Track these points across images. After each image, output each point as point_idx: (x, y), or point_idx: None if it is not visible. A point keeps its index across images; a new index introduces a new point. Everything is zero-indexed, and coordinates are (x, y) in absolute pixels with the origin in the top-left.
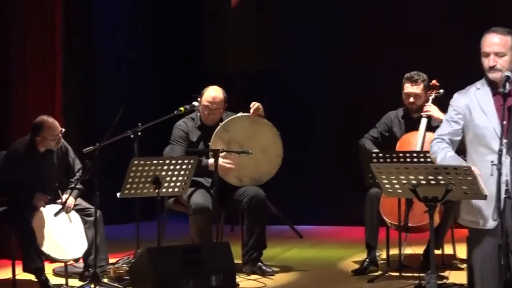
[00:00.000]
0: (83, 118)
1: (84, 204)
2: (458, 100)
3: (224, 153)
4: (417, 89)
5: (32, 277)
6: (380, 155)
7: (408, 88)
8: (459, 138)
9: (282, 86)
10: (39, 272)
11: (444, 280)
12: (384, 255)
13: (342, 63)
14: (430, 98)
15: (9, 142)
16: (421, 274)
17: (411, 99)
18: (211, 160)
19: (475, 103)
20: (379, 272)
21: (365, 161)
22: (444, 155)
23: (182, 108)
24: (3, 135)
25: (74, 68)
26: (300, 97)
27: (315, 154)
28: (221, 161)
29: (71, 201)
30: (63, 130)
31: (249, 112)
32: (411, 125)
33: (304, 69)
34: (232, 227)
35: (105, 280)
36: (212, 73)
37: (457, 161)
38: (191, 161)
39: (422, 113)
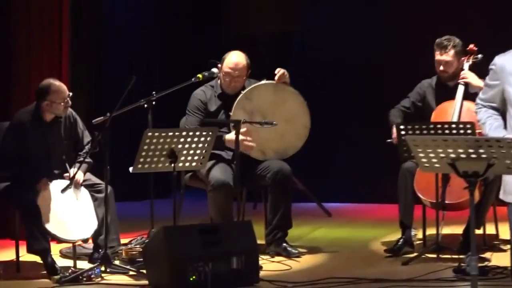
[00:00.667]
0: (92, 86)
1: (93, 179)
2: (497, 62)
3: (246, 124)
4: (446, 56)
5: (37, 258)
6: (416, 126)
7: (437, 55)
8: (500, 101)
9: (310, 50)
10: (45, 253)
11: (486, 263)
12: (419, 235)
13: (378, 24)
14: (467, 64)
15: (13, 112)
16: (461, 256)
17: (442, 67)
18: (230, 135)
19: None
20: (415, 254)
21: (399, 134)
22: (490, 125)
23: (200, 75)
24: (6, 105)
25: (82, 31)
26: (329, 62)
27: (344, 125)
28: (241, 138)
29: (79, 176)
30: (71, 94)
31: (273, 79)
32: (447, 93)
33: (333, 31)
34: (254, 205)
35: (117, 262)
36: (233, 37)
37: (502, 132)
38: (210, 133)
39: (458, 81)
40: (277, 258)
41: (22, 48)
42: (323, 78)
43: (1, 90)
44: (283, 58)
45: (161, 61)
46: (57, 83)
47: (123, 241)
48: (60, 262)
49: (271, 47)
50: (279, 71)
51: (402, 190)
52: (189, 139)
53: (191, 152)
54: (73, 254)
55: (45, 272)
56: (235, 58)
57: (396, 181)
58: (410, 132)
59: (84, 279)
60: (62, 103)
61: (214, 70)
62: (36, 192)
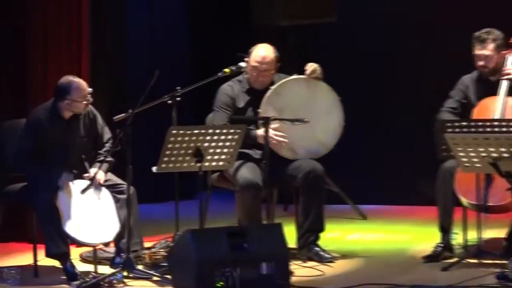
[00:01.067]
0: (114, 81)
1: (115, 179)
2: None
3: (276, 121)
4: (486, 50)
5: (56, 263)
6: (456, 124)
7: (476, 49)
8: None
9: (343, 43)
10: (64, 257)
11: None
12: (460, 239)
13: (415, 14)
14: (510, 58)
15: (29, 110)
16: (504, 261)
17: (481, 62)
18: (260, 131)
19: None
20: (455, 259)
21: (439, 130)
22: None
23: (227, 70)
24: (22, 103)
25: (103, 25)
26: (364, 56)
27: (380, 122)
28: (271, 133)
29: (100, 176)
30: (91, 90)
31: (304, 74)
32: (489, 89)
33: (368, 23)
34: (285, 207)
35: (140, 267)
36: (261, 28)
37: None
38: (238, 131)
39: (501, 77)
40: (309, 263)
41: (38, 44)
42: (357, 72)
43: (17, 86)
44: (314, 51)
45: (186, 55)
46: (76, 80)
47: (146, 244)
48: (80, 266)
49: (301, 40)
50: (310, 66)
51: (441, 191)
52: (216, 137)
53: (218, 150)
54: (94, 258)
55: (64, 277)
56: (263, 51)
57: (435, 181)
58: (457, 130)
59: (106, 285)
60: (84, 101)
61: (242, 64)
62: (54, 192)
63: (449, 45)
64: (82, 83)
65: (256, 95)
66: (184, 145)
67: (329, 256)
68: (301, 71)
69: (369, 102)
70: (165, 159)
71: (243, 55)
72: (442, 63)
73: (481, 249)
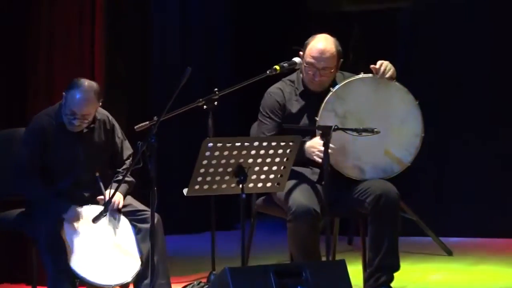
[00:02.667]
0: (136, 85)
1: (136, 204)
2: None
3: (338, 131)
4: None
5: None
6: None
7: None
8: None
9: (420, 34)
10: None
11: None
12: None
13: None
14: None
15: (29, 117)
16: None
17: None
18: (312, 142)
19: None
20: None
21: None
22: None
23: (277, 67)
24: (22, 109)
25: (122, 21)
26: (448, 51)
27: (470, 135)
28: (311, 144)
29: (118, 200)
30: (102, 99)
31: (372, 73)
32: None
33: (452, 9)
34: (349, 239)
35: None
36: (320, 16)
37: None
38: (291, 143)
39: None
40: None
41: (40, 39)
42: (440, 69)
43: (14, 90)
44: (385, 44)
45: (225, 49)
46: (87, 83)
47: (175, 286)
48: None
49: (370, 30)
50: (380, 64)
51: None
52: (262, 152)
53: (266, 168)
54: None
55: None
56: (322, 44)
57: None
58: None
59: None
60: (70, 116)
61: (296, 59)
62: (59, 221)
63: None
64: (84, 95)
65: (312, 98)
66: (223, 161)
67: None
68: (369, 70)
69: (452, 106)
70: (199, 179)
71: (298, 48)
72: None
73: None
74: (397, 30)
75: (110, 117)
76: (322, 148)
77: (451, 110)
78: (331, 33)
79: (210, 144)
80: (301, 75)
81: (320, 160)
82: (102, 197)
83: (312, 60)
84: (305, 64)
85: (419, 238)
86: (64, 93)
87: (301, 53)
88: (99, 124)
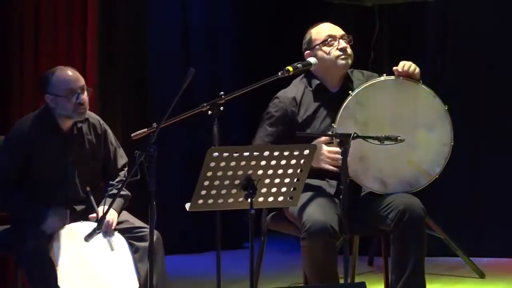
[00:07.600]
0: (131, 85)
1: (133, 221)
2: None
3: (358, 140)
4: None
5: None
6: None
7: None
8: None
9: (451, 29)
10: None
11: None
12: None
13: None
14: None
15: (11, 124)
16: None
17: None
18: (324, 149)
19: None
20: None
21: None
22: None
23: (290, 68)
24: (2, 116)
25: (118, 19)
26: (481, 47)
27: (505, 144)
28: (325, 150)
29: (112, 216)
30: (91, 89)
31: (396, 74)
32: None
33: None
34: (370, 259)
35: None
36: (336, 9)
37: None
38: (305, 153)
39: None
40: None
41: (26, 38)
42: (473, 68)
43: None
44: (411, 41)
45: (232, 48)
46: (62, 67)
47: None
48: None
49: (393, 24)
50: (403, 65)
51: None
52: (273, 162)
53: (277, 181)
54: None
55: None
56: (325, 23)
57: None
58: None
59: None
60: (73, 98)
61: (311, 60)
62: (47, 239)
63: None
64: (70, 70)
65: (329, 99)
66: (230, 173)
67: None
68: (392, 71)
69: (488, 113)
70: (203, 192)
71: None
72: None
73: None
74: (424, 25)
75: (102, 122)
76: (334, 156)
77: (483, 116)
78: (352, 29)
79: (216, 154)
80: (315, 73)
81: (330, 168)
82: (94, 215)
83: (329, 33)
84: (324, 43)
85: (448, 258)
86: (47, 94)
87: (307, 52)
88: (88, 125)
